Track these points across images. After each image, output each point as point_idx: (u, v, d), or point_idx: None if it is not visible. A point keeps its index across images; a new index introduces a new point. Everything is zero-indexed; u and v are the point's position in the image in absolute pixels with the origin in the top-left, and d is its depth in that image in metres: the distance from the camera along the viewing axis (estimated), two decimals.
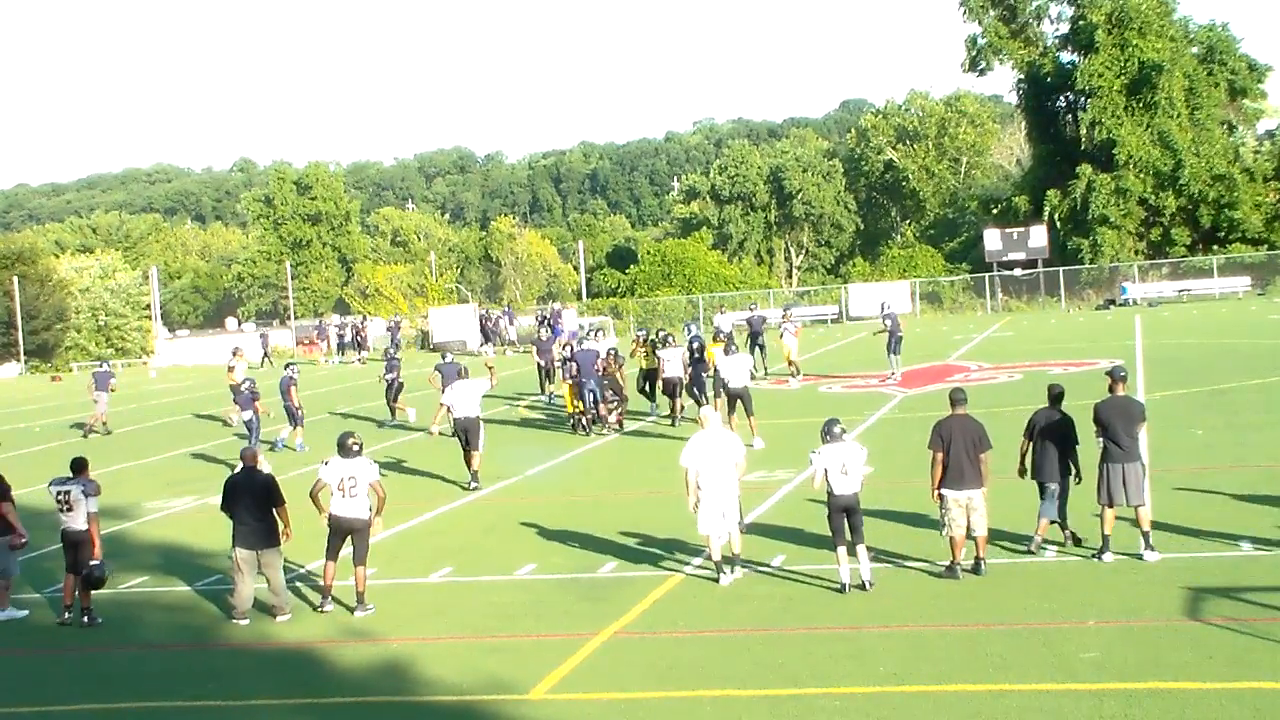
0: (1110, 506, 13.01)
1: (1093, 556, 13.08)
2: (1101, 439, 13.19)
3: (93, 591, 13.99)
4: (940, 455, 13.07)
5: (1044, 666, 10.13)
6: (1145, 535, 13.00)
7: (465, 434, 20.65)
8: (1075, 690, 9.55)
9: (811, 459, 12.95)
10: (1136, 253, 63.82)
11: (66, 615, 13.97)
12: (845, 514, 12.64)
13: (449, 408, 21.06)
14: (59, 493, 13.81)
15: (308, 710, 10.68)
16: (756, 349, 33.45)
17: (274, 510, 13.39)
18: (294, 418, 26.74)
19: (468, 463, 20.65)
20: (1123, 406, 13.24)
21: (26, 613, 14.58)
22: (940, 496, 13.04)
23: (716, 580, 13.46)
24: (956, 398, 13.50)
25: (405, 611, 13.38)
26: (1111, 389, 13.46)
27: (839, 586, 12.60)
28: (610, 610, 12.67)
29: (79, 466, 14.09)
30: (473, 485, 20.43)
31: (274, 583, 13.40)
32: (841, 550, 12.61)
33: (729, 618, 12.20)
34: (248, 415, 25.88)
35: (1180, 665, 9.91)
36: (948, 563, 13.01)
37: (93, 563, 13.73)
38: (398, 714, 10.46)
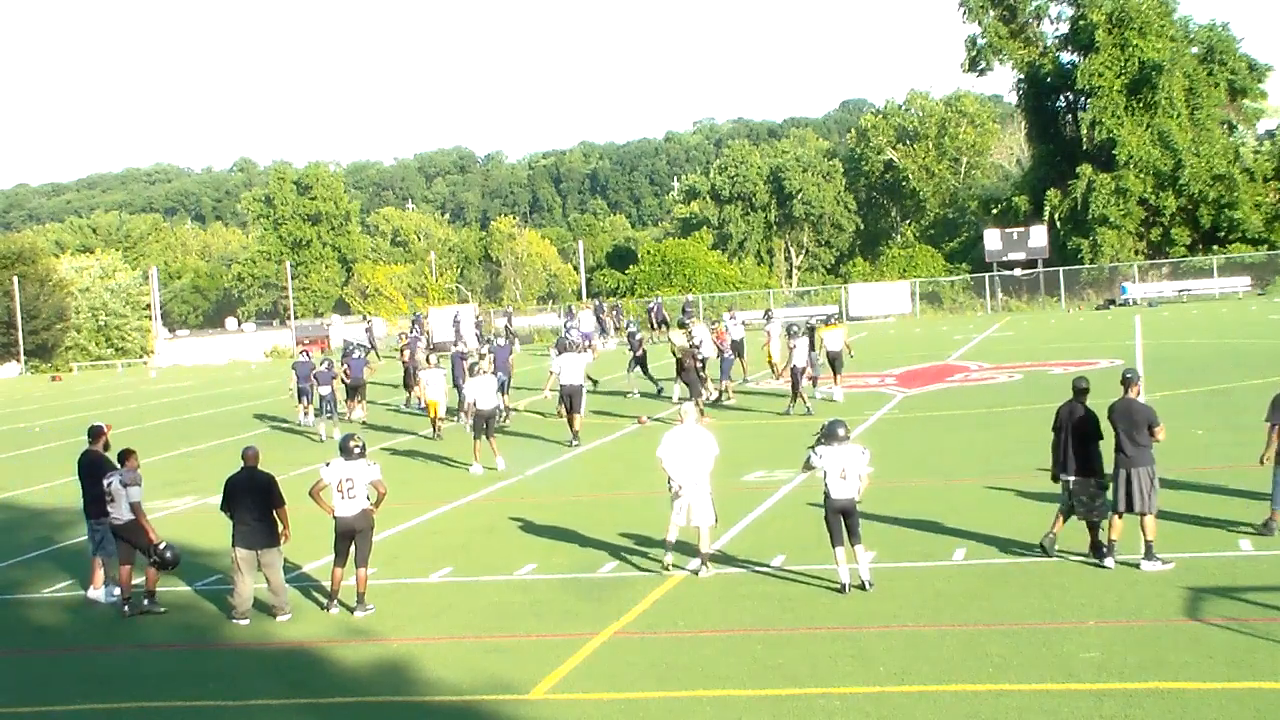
0: (1114, 512, 12.94)
1: (1096, 564, 13.00)
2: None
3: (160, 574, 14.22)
4: (1053, 439, 13.40)
5: (1044, 666, 10.13)
6: (1147, 545, 12.69)
7: (570, 399, 24.25)
8: (1075, 690, 9.54)
9: (811, 459, 12.91)
10: (1136, 253, 63.81)
11: (125, 608, 14.04)
12: (842, 516, 12.63)
13: (557, 374, 24.71)
14: (106, 484, 14.03)
15: (308, 710, 10.68)
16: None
17: (274, 511, 13.39)
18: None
19: (570, 423, 24.25)
20: (1125, 409, 13.06)
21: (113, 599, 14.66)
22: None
23: (665, 567, 13.82)
24: (1078, 385, 13.46)
25: (405, 611, 13.38)
26: (1124, 390, 13.31)
27: (839, 586, 12.59)
28: (610, 610, 12.66)
29: (122, 457, 14.26)
30: (574, 443, 23.89)
31: (274, 582, 13.40)
32: (840, 551, 12.61)
33: (729, 618, 12.19)
34: (325, 390, 28.51)
35: (1180, 665, 9.90)
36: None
37: (161, 546, 13.88)
38: (398, 714, 10.46)
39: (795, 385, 26.23)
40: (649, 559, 14.50)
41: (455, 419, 27.84)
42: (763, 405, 28.06)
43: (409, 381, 33.47)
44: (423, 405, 32.12)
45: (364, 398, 31.75)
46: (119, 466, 14.70)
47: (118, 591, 14.37)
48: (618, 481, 20.39)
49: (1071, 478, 13.09)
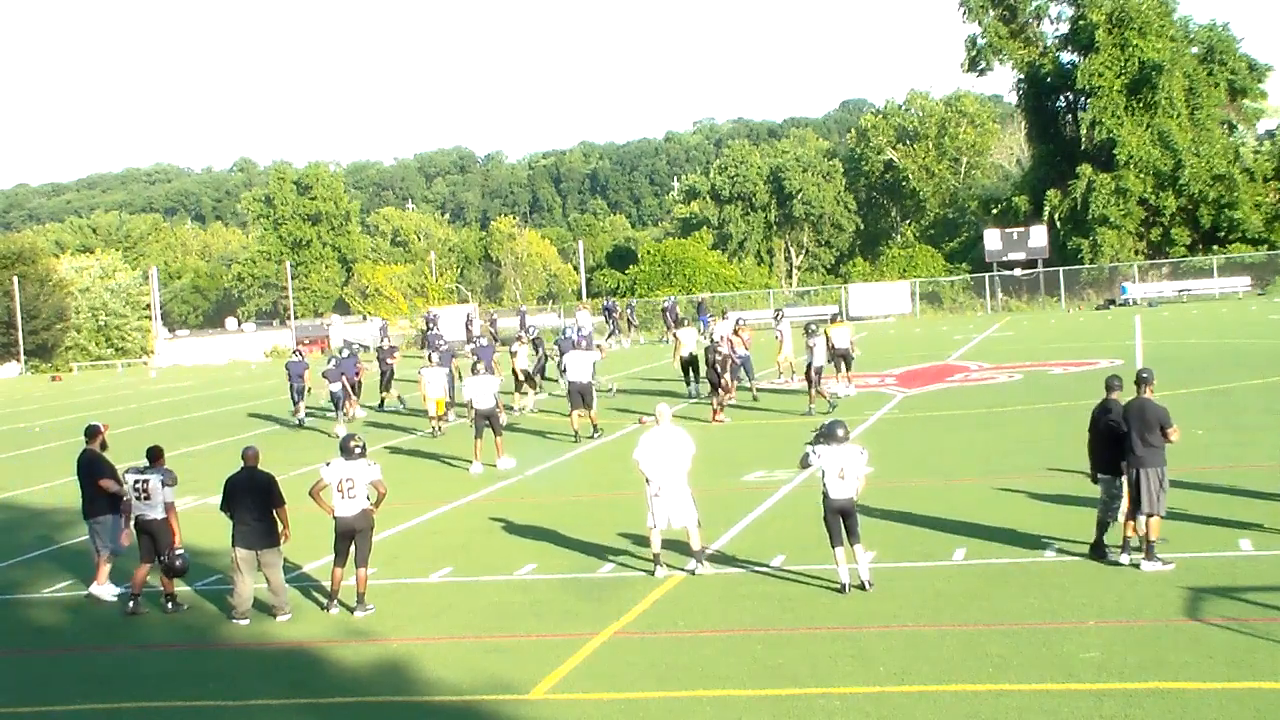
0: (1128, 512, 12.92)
1: (1095, 561, 13.00)
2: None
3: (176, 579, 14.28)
4: (1088, 437, 13.42)
5: (1044, 666, 10.13)
6: (1149, 545, 12.69)
7: (581, 396, 24.48)
8: (1075, 690, 9.54)
9: (809, 456, 12.91)
10: (1136, 253, 63.79)
11: (130, 604, 14.05)
12: (840, 516, 12.63)
13: (566, 372, 25.49)
14: (137, 481, 14.01)
15: (308, 710, 10.68)
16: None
17: (274, 510, 13.40)
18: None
19: (574, 420, 24.65)
20: (1138, 409, 12.99)
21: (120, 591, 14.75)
22: None
23: (653, 573, 13.76)
24: (1109, 383, 13.47)
25: (405, 611, 13.38)
26: (1138, 390, 13.28)
27: (839, 586, 12.59)
28: (610, 610, 12.66)
29: (154, 455, 14.27)
30: (595, 434, 24.63)
31: (274, 582, 13.41)
32: (839, 551, 12.60)
33: (729, 618, 12.20)
34: (335, 387, 29.39)
35: (1180, 665, 9.90)
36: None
37: (176, 551, 13.93)
38: (398, 714, 10.46)
39: (815, 383, 26.12)
40: (648, 559, 14.50)
41: (447, 419, 27.93)
42: (763, 404, 28.03)
43: (386, 383, 33.83)
44: (404, 405, 32.56)
45: (358, 397, 31.90)
46: (114, 466, 14.85)
47: (121, 590, 14.42)
48: (618, 481, 20.36)
49: (1102, 475, 13.13)
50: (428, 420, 28.41)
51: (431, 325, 55.83)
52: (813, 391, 26.09)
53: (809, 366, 26.28)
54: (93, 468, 14.75)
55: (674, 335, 32.24)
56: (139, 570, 14.14)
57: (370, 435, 25.07)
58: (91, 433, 15.16)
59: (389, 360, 34.35)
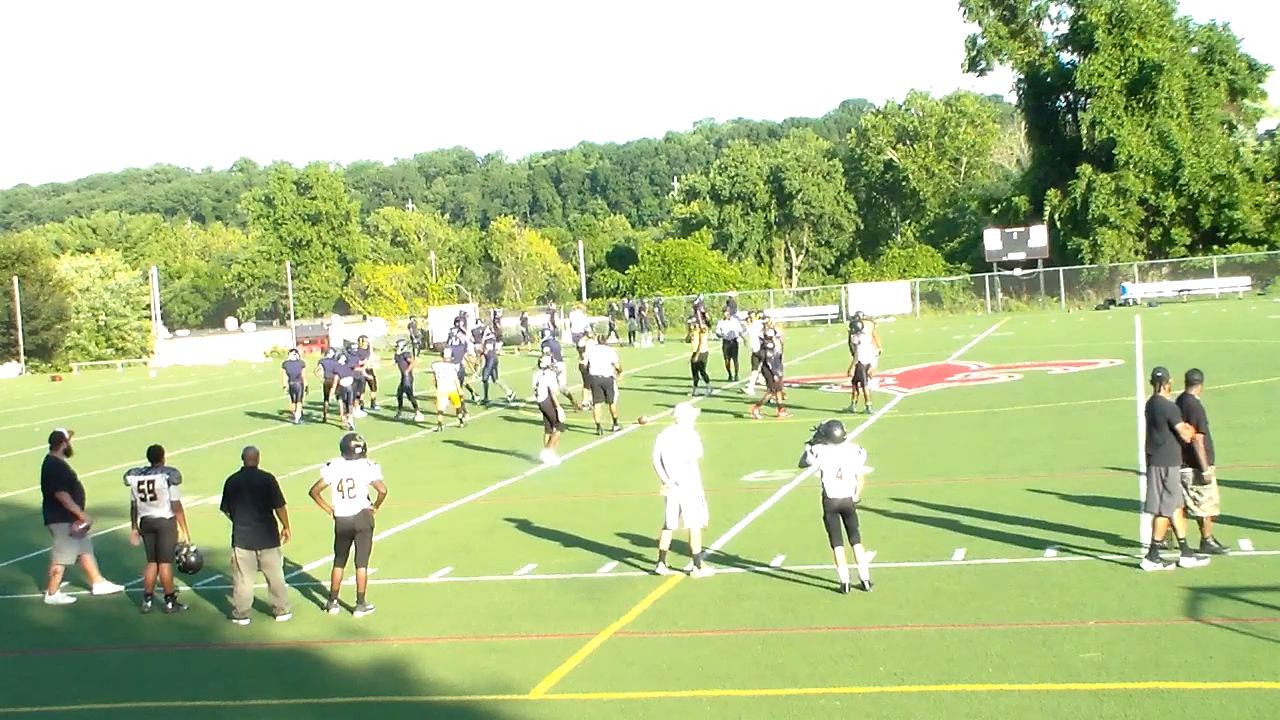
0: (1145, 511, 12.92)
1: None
2: None
3: (176, 576, 14.31)
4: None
5: (1044, 666, 10.13)
6: (1152, 545, 12.70)
7: (603, 390, 25.16)
8: (1075, 690, 9.54)
9: (807, 455, 12.91)
10: (1136, 253, 63.77)
11: (147, 604, 14.06)
12: (840, 516, 12.63)
13: (587, 366, 25.87)
14: (141, 482, 13.99)
15: (308, 710, 10.68)
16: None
17: (274, 510, 13.40)
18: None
19: (595, 413, 25.33)
20: (1148, 408, 13.05)
21: (73, 600, 14.81)
22: None
23: (655, 570, 13.79)
24: (1192, 377, 13.38)
25: (405, 611, 13.38)
26: (1154, 389, 13.27)
27: (839, 586, 12.60)
28: (610, 610, 12.66)
29: (155, 454, 14.26)
30: (615, 428, 25.15)
31: (274, 582, 13.40)
32: (839, 551, 12.61)
33: (729, 618, 12.20)
34: (347, 381, 29.49)
35: (1180, 665, 9.90)
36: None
37: (190, 548, 13.96)
38: (398, 714, 10.46)
39: (860, 380, 25.82)
40: (649, 559, 14.49)
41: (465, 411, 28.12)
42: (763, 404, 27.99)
43: (371, 384, 33.63)
44: (375, 408, 32.99)
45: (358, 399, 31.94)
46: (74, 473, 14.92)
47: (117, 588, 14.36)
48: (618, 481, 20.38)
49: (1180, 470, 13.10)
50: (430, 418, 28.44)
51: (458, 323, 55.67)
52: (861, 390, 25.89)
53: (855, 365, 25.89)
54: (52, 474, 14.74)
55: (696, 334, 32.12)
56: (148, 569, 14.14)
57: (371, 434, 25.07)
58: (55, 440, 15.12)
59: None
